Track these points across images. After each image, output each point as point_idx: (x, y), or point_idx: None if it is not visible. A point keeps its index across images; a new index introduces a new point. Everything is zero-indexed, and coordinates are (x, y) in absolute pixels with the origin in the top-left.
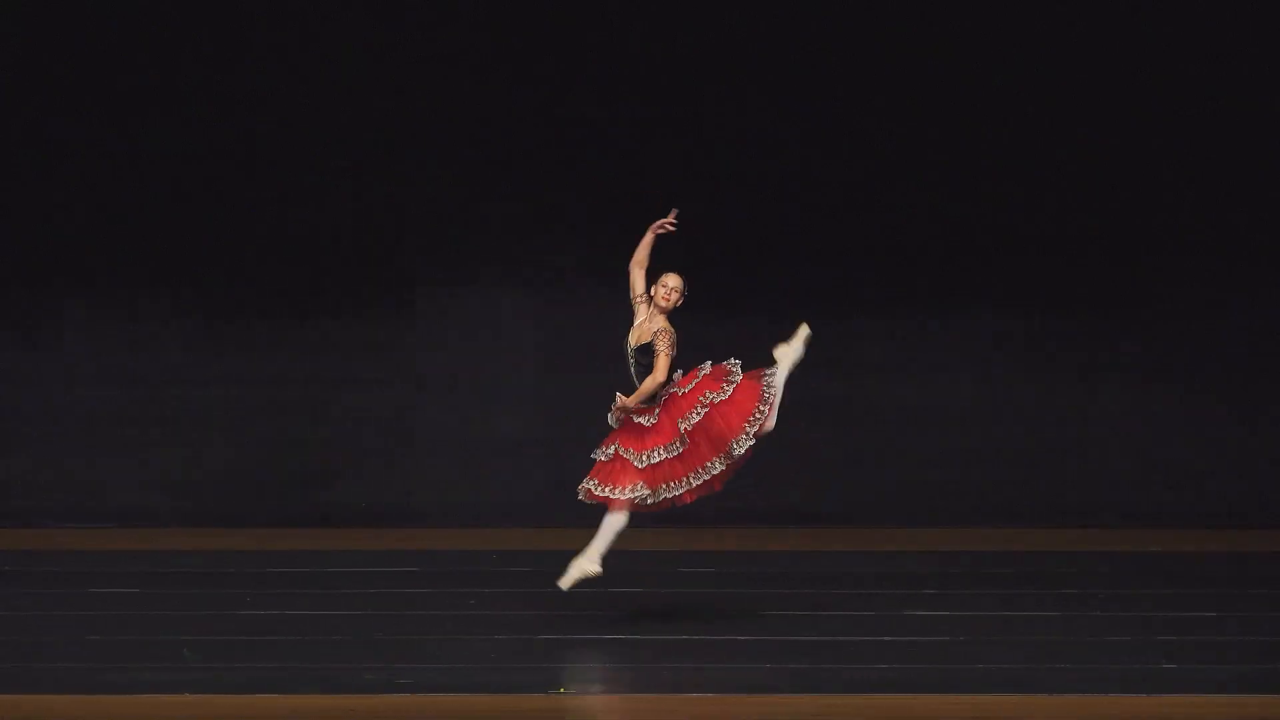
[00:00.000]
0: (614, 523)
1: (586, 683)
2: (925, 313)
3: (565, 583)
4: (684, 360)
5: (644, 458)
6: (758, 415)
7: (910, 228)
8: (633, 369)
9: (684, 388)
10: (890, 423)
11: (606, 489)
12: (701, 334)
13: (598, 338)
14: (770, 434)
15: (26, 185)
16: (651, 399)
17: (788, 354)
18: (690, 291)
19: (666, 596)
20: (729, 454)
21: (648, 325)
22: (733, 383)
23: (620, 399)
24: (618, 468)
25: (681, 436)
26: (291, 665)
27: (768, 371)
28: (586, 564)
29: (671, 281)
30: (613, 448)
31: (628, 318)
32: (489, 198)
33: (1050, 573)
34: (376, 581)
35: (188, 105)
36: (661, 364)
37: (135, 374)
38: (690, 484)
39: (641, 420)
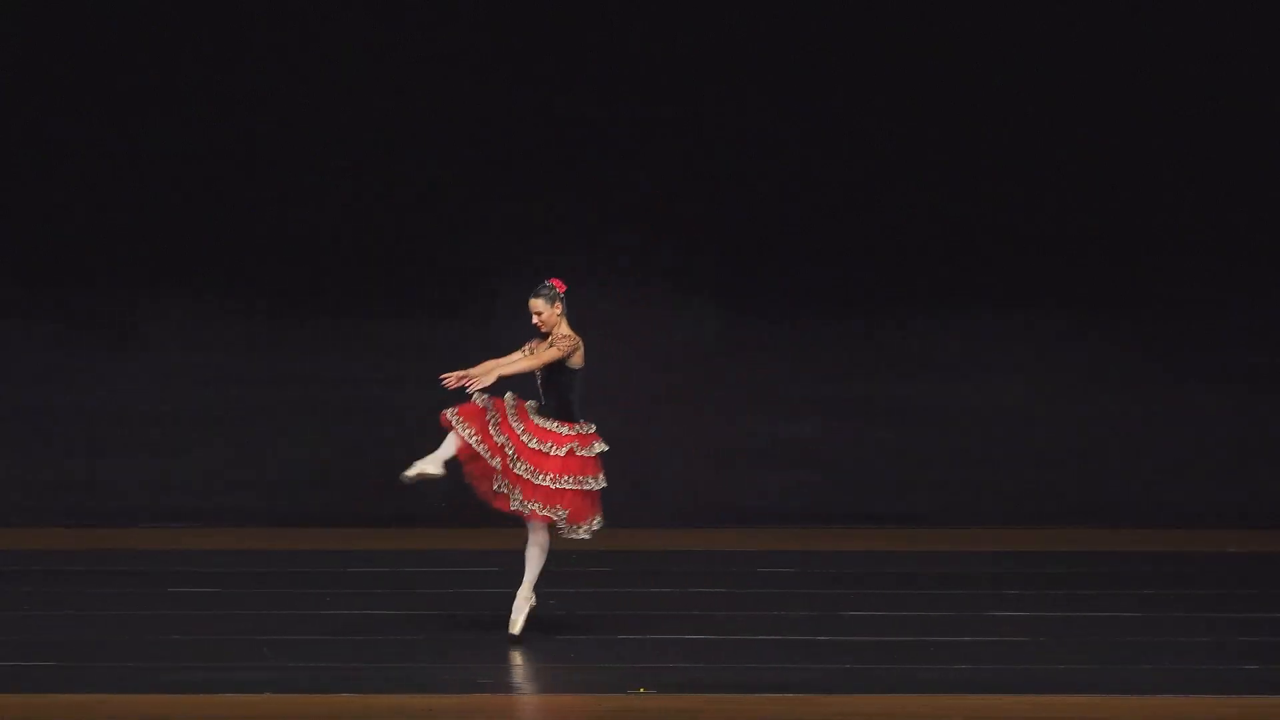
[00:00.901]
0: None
1: (666, 682)
2: (991, 312)
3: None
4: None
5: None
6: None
7: (973, 226)
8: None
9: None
10: (963, 424)
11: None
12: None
13: (667, 338)
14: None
15: (111, 185)
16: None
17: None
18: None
19: (745, 597)
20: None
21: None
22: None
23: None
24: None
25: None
26: (370, 665)
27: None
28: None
29: (532, 308)
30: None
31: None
32: (566, 195)
33: (1128, 573)
34: (456, 581)
35: (262, 106)
36: (546, 353)
37: (216, 373)
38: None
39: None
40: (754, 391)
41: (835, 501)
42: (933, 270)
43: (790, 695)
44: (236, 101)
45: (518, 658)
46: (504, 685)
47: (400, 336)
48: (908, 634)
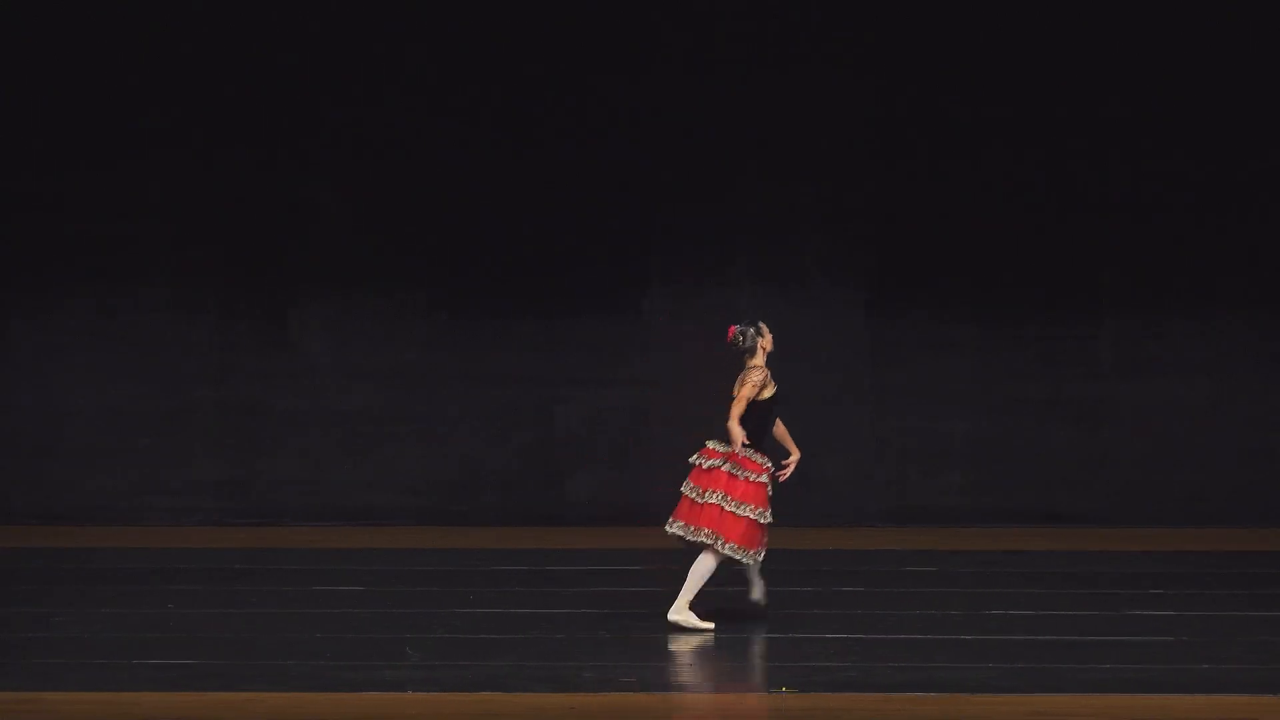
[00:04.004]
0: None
1: (808, 681)
2: (1155, 313)
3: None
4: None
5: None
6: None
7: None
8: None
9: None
10: (1118, 423)
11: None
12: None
13: (826, 338)
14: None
15: (271, 181)
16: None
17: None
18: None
19: (889, 595)
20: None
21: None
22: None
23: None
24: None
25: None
26: (514, 663)
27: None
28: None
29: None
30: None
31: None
32: (729, 194)
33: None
34: (601, 580)
35: (432, 101)
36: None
37: (370, 373)
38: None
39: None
40: (922, 389)
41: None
42: (1112, 271)
43: (938, 695)
44: (386, 96)
45: (662, 656)
46: (645, 684)
47: (553, 337)
48: (1057, 633)
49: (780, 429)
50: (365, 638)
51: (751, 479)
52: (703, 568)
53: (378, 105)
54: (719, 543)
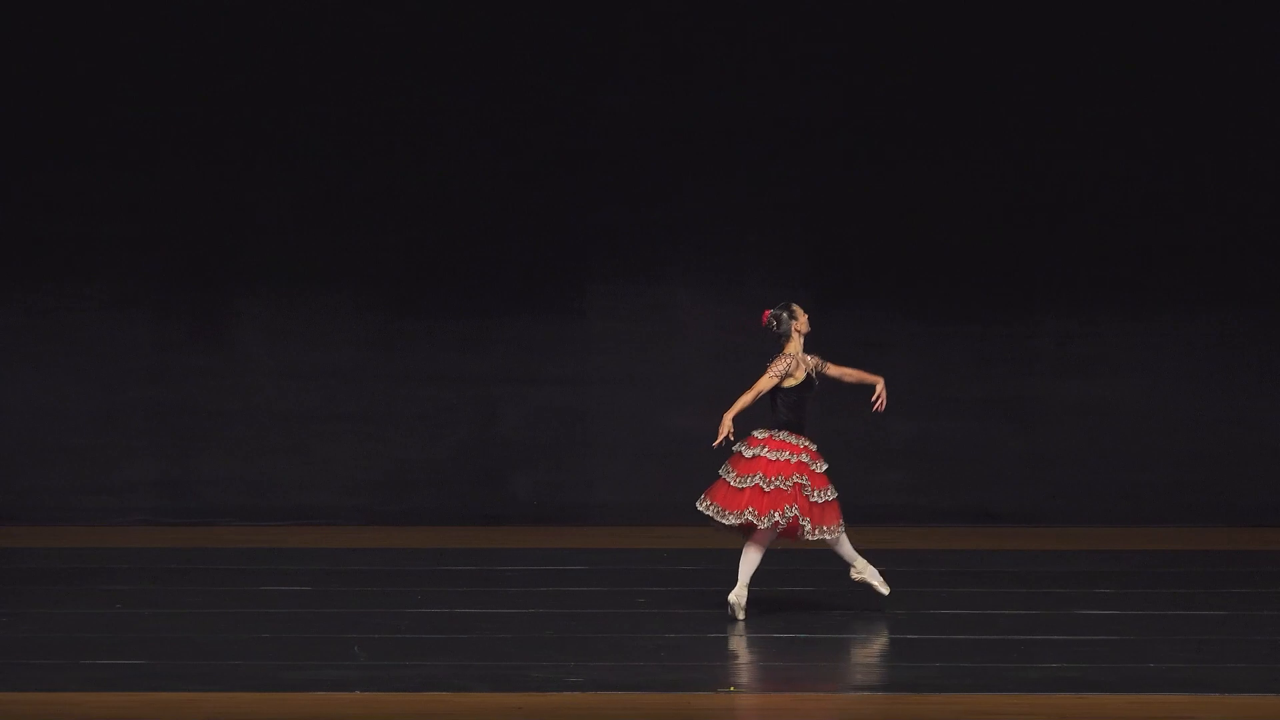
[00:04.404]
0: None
1: (755, 680)
2: (1101, 313)
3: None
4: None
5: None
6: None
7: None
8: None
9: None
10: (1064, 422)
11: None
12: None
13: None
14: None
15: (207, 183)
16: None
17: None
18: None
19: (837, 596)
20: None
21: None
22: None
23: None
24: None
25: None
26: (459, 663)
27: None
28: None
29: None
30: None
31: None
32: (667, 195)
33: (1224, 572)
34: (546, 579)
35: (370, 96)
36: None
37: (308, 372)
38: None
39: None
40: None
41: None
42: (1059, 272)
43: (884, 695)
44: (321, 98)
45: (608, 656)
46: (593, 683)
47: (494, 337)
48: (998, 633)
49: (850, 372)
50: (307, 637)
51: (782, 458)
52: (752, 553)
53: (314, 106)
54: (759, 519)
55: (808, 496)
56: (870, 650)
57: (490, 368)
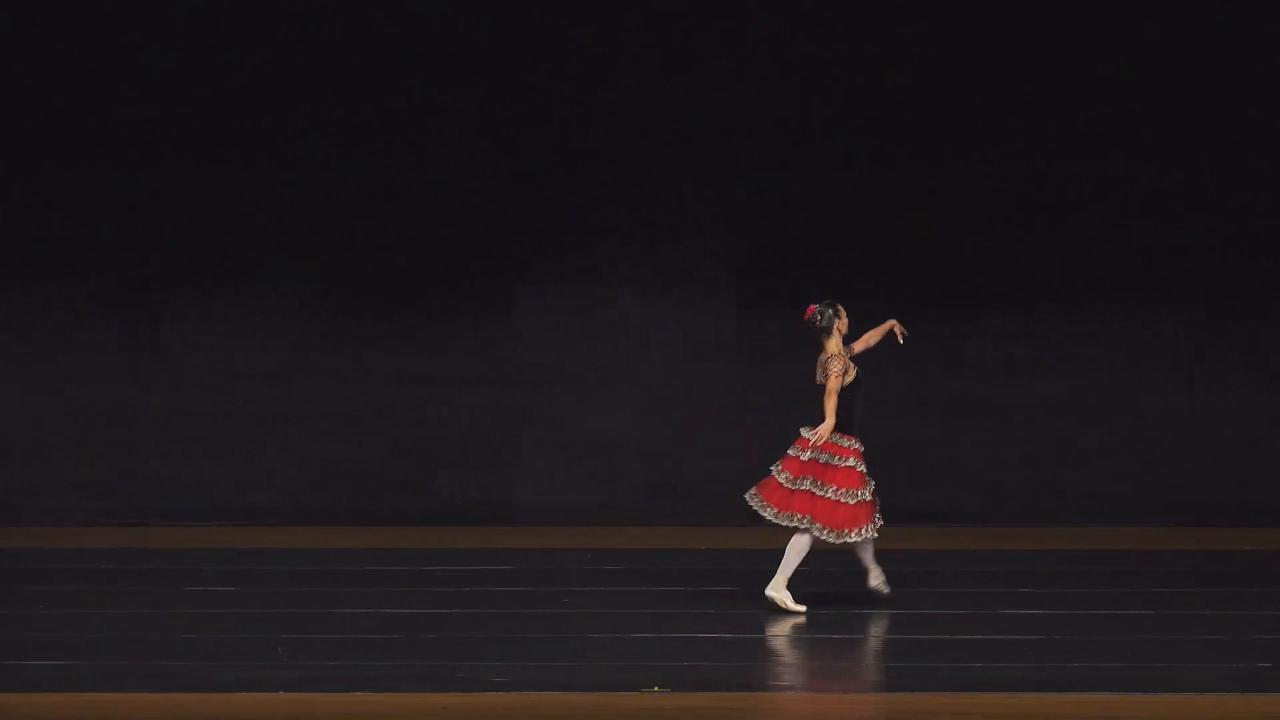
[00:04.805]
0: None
1: (682, 681)
2: (1044, 311)
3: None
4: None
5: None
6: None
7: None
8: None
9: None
10: (988, 422)
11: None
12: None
13: (697, 338)
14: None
15: (138, 185)
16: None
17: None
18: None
19: (758, 596)
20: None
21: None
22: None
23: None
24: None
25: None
26: (386, 664)
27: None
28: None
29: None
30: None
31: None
32: (599, 196)
33: (1152, 572)
34: (473, 580)
35: (297, 98)
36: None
37: (237, 372)
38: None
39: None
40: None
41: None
42: (983, 270)
43: (807, 694)
44: (263, 95)
45: (535, 656)
46: (519, 684)
47: (426, 337)
48: (926, 632)
49: (870, 336)
50: (237, 638)
51: (840, 464)
52: (798, 546)
53: (249, 107)
54: (814, 527)
55: (838, 498)
56: (801, 650)
57: (423, 369)
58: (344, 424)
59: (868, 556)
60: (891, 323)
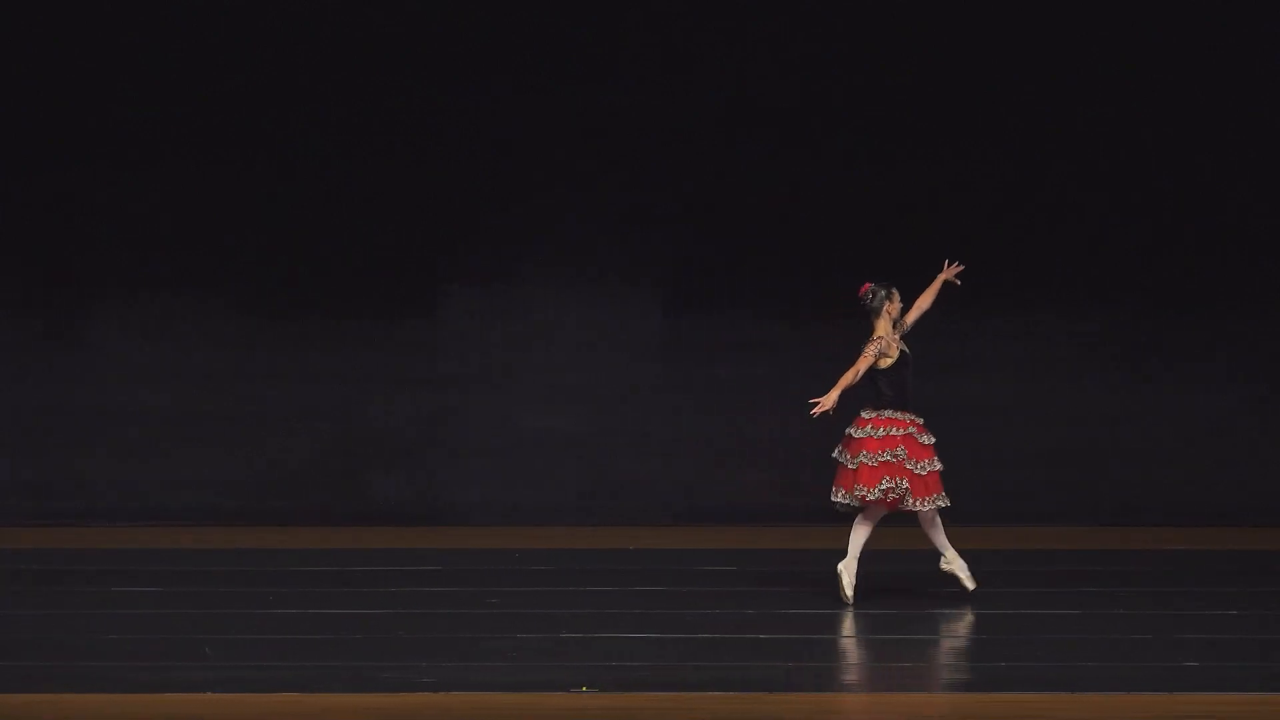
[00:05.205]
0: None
1: (611, 681)
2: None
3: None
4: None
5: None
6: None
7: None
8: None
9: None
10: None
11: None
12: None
13: (624, 338)
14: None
15: (61, 182)
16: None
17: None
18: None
19: (683, 595)
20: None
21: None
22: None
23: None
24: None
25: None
26: (313, 664)
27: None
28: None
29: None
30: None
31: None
32: (526, 197)
33: (1076, 571)
34: (400, 580)
35: (219, 99)
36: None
37: (165, 373)
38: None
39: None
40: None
41: (812, 498)
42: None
43: (735, 694)
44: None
45: (460, 656)
46: (447, 684)
47: (353, 337)
48: (841, 633)
49: (923, 301)
50: (164, 638)
51: (890, 433)
52: (862, 528)
53: (176, 107)
54: (873, 490)
55: (910, 469)
56: (727, 649)
57: (350, 369)
58: (272, 425)
59: (940, 539)
60: (940, 277)
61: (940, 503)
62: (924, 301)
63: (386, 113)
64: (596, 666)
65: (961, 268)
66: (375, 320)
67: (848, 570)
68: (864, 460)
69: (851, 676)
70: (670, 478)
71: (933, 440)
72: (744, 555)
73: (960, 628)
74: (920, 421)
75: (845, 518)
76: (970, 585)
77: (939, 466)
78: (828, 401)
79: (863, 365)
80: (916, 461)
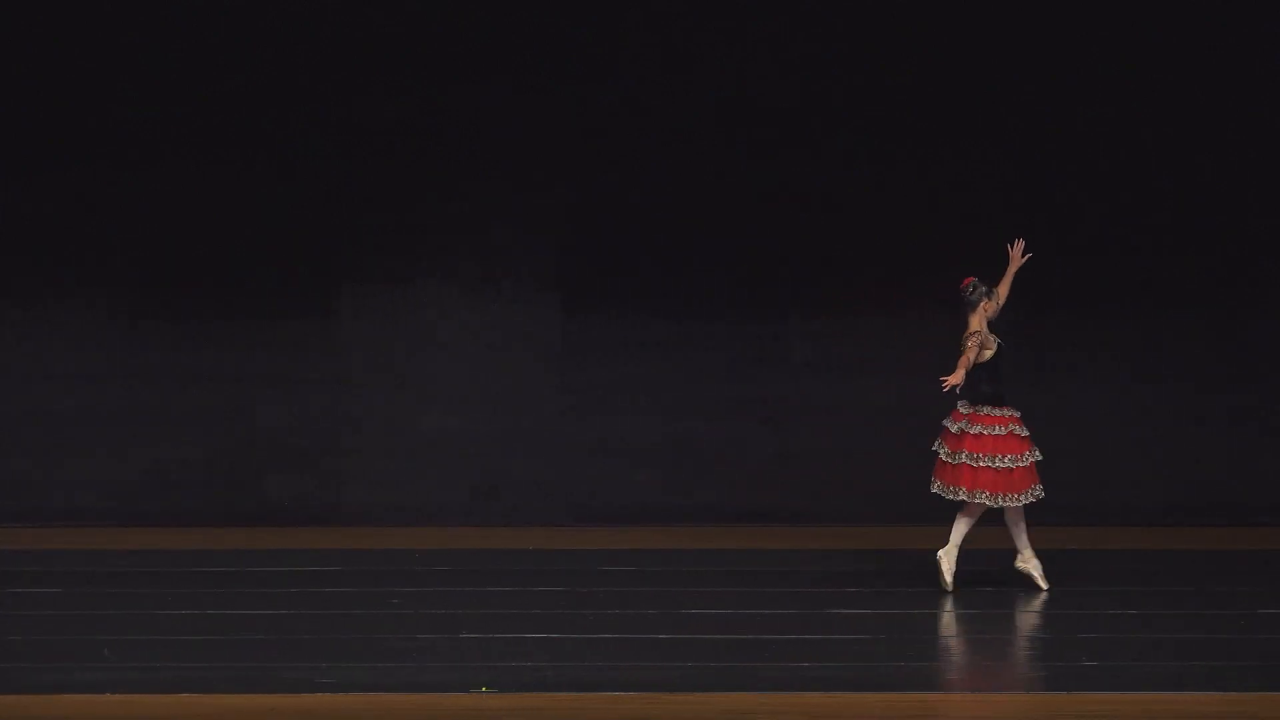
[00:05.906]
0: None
1: (510, 681)
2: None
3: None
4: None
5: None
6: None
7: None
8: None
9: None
10: (807, 421)
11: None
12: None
13: (518, 337)
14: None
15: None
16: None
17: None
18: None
19: (579, 596)
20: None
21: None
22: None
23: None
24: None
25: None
26: (212, 665)
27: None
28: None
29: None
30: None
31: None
32: (422, 196)
33: (999, 571)
34: (299, 580)
35: (123, 100)
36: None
37: (62, 373)
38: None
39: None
40: (615, 387)
41: (704, 498)
42: (801, 268)
43: (635, 694)
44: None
45: (359, 657)
46: (346, 685)
47: (254, 337)
48: (752, 632)
49: (1006, 281)
50: (62, 639)
51: (991, 433)
52: (964, 518)
53: (69, 105)
54: (974, 495)
55: (1006, 465)
56: (626, 649)
57: (245, 369)
58: (170, 425)
59: (1021, 538)
60: (1011, 268)
61: (1034, 496)
62: (1004, 289)
63: (281, 113)
64: (497, 666)
65: (1028, 253)
66: (267, 321)
67: (948, 557)
68: (966, 461)
69: (742, 678)
70: (567, 478)
71: (1027, 433)
72: (643, 556)
73: (853, 627)
74: (1018, 415)
75: (740, 518)
76: (1044, 585)
77: (1038, 456)
78: (954, 379)
79: (971, 355)
80: (1015, 456)
